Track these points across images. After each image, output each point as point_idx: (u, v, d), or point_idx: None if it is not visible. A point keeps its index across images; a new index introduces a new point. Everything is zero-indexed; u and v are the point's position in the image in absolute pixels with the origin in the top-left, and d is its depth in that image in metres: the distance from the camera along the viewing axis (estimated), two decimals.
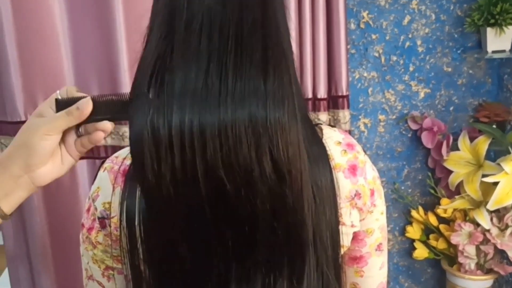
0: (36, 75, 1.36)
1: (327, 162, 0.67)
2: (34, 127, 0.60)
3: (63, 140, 0.63)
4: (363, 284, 0.80)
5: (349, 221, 0.71)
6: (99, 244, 0.69)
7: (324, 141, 0.68)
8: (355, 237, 0.75)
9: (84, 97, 0.61)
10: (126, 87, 1.37)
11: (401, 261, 1.86)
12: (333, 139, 0.70)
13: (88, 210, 0.70)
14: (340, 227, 0.69)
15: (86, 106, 0.60)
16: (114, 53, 1.36)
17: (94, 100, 0.61)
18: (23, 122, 1.36)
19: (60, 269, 1.48)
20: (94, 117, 0.61)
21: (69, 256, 1.45)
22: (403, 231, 1.80)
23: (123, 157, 0.69)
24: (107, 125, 0.62)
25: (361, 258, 0.77)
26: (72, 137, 0.64)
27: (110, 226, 0.67)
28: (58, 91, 0.63)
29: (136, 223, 0.63)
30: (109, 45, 1.36)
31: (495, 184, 1.45)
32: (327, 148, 0.68)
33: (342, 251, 0.72)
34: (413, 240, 1.77)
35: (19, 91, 1.35)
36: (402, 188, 1.78)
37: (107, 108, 0.62)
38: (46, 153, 0.61)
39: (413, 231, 1.75)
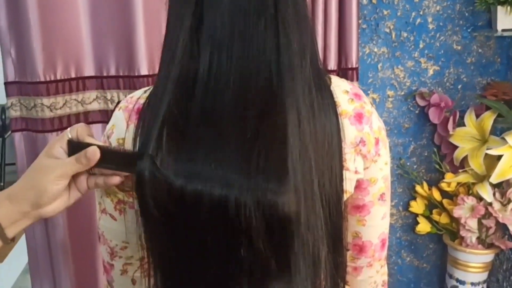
0: (55, 38, 1.40)
1: (334, 108, 0.70)
2: (45, 170, 0.65)
3: (73, 177, 0.67)
4: (365, 232, 0.83)
5: (353, 167, 0.74)
6: None
7: (332, 88, 0.72)
8: (359, 185, 0.79)
9: (93, 144, 0.65)
10: (141, 51, 1.41)
11: (404, 236, 1.89)
12: (341, 88, 0.73)
13: None
14: (344, 172, 0.72)
15: (93, 156, 0.65)
16: (132, 18, 1.40)
17: (101, 149, 0.65)
18: (42, 82, 1.42)
19: (79, 263, 1.55)
20: (101, 164, 0.65)
21: (86, 250, 1.52)
22: (407, 206, 1.83)
23: (137, 97, 0.73)
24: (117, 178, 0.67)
25: (364, 207, 0.81)
26: (83, 175, 0.68)
27: None
28: (68, 129, 0.67)
29: None
30: (126, 10, 1.40)
31: (499, 159, 1.48)
32: (334, 96, 0.71)
33: (345, 197, 0.76)
34: (416, 215, 1.80)
35: (39, 52, 1.38)
36: (408, 164, 1.81)
37: (114, 159, 0.66)
38: (56, 195, 0.65)
39: (417, 206, 1.78)
